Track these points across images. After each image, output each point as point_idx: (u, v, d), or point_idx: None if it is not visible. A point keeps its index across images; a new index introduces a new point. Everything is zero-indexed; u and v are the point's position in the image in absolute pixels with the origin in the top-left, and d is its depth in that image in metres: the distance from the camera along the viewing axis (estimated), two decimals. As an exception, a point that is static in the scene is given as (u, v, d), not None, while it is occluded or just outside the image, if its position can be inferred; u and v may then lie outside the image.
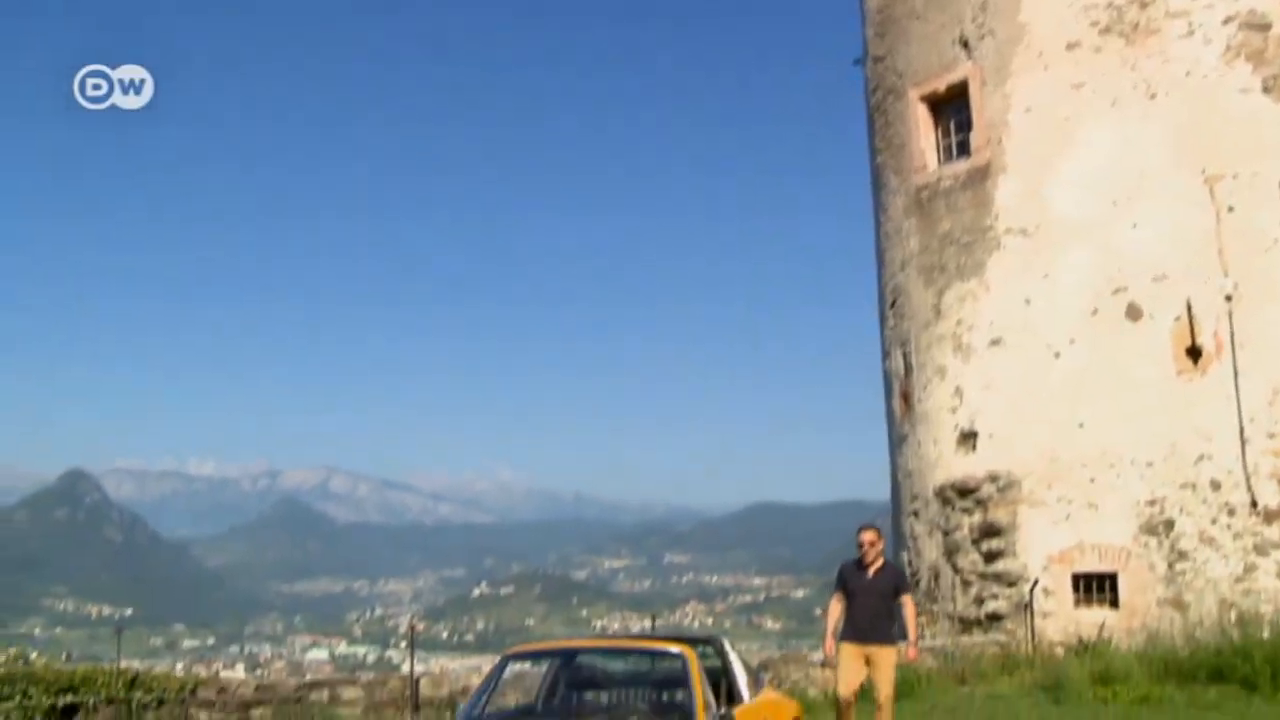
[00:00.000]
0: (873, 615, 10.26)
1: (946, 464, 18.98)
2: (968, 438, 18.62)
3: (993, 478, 18.09)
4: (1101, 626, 16.73)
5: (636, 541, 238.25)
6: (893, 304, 21.04)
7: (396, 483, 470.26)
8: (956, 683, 15.82)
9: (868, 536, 10.43)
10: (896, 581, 10.67)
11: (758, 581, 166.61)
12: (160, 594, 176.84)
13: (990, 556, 18.11)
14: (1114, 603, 17.20)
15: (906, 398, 20.37)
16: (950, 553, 18.82)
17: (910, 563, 20.17)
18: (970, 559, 18.40)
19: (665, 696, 7.89)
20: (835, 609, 10.70)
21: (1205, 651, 14.45)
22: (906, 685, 14.81)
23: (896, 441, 21.15)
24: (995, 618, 17.87)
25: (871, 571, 10.39)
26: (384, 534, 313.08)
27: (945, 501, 18.90)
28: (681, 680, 7.50)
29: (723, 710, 7.26)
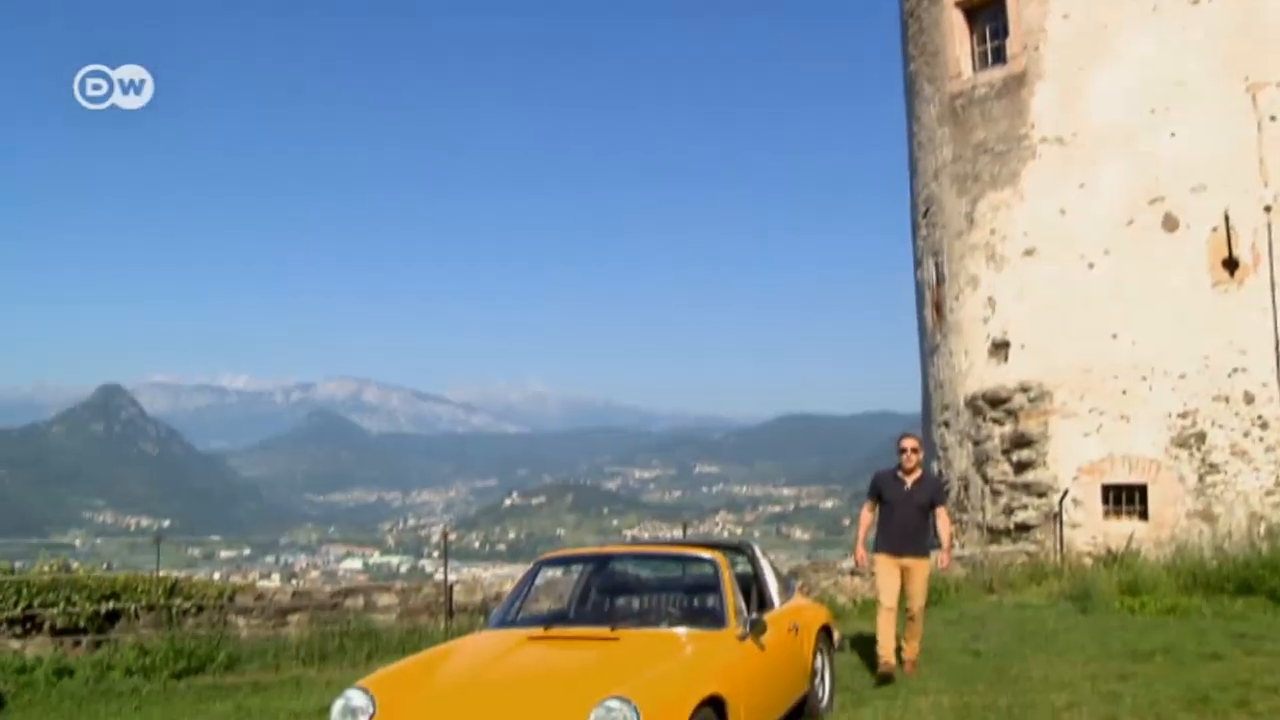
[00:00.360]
0: (909, 527, 10.02)
1: (978, 374, 18.95)
2: (1000, 348, 18.55)
3: (1024, 388, 18.07)
4: (1130, 538, 16.80)
5: (667, 451, 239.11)
6: (925, 213, 20.86)
7: (429, 394, 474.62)
8: (985, 591, 15.96)
9: (910, 443, 10.20)
10: (934, 493, 10.38)
11: (787, 492, 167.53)
12: (197, 506, 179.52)
13: (1020, 467, 18.15)
14: (1143, 514, 17.28)
15: (938, 308, 20.28)
16: (980, 463, 18.86)
17: (940, 473, 20.21)
18: (1000, 469, 18.45)
19: (697, 602, 7.94)
20: (866, 518, 10.49)
21: (1234, 564, 14.49)
22: (935, 593, 14.92)
23: (928, 352, 21.10)
24: (1024, 528, 17.96)
25: (910, 482, 10.13)
26: (416, 445, 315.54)
27: (976, 412, 18.90)
28: (713, 586, 7.57)
29: (753, 615, 7.37)
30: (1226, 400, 16.83)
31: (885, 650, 9.84)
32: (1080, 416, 17.72)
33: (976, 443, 18.96)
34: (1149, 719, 8.01)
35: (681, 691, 5.90)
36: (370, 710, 5.92)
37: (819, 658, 8.67)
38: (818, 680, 8.59)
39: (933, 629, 12.81)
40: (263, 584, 13.67)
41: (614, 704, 5.41)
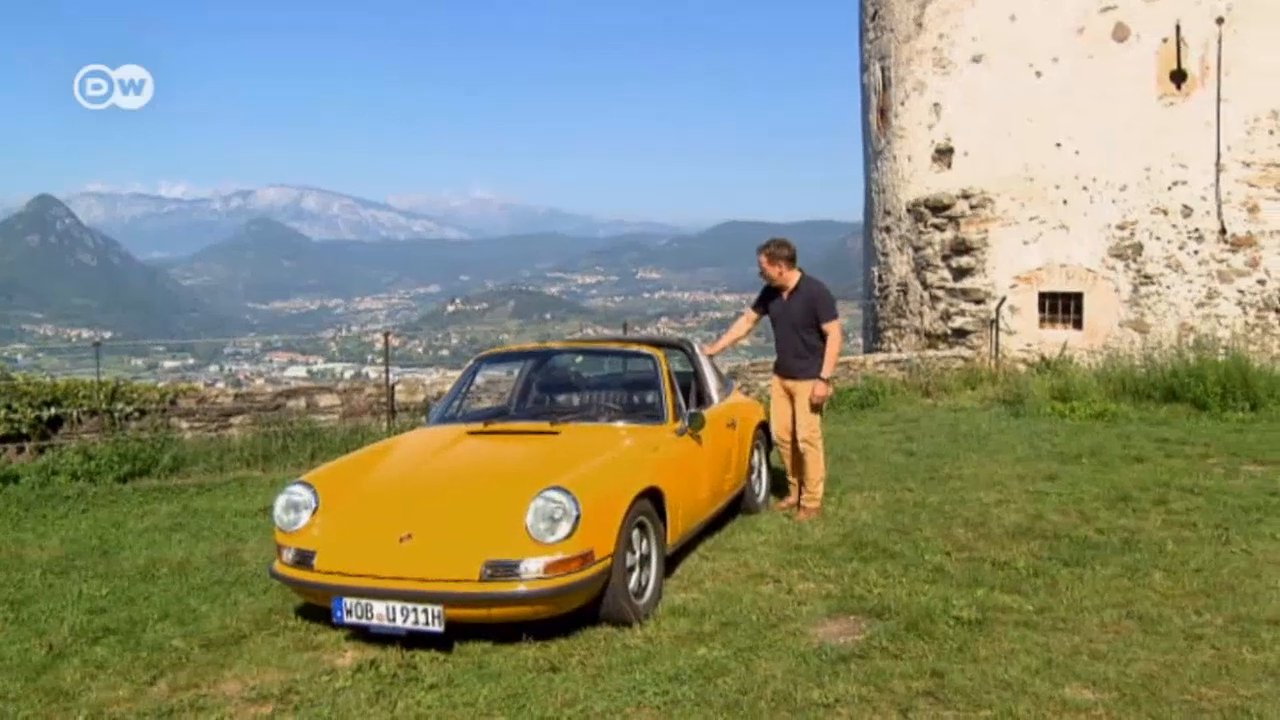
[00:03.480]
0: (789, 346, 8.73)
1: (921, 180, 18.94)
2: (943, 154, 18.54)
3: (966, 195, 18.12)
4: (1064, 345, 17.19)
5: (609, 258, 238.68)
6: (873, 16, 20.50)
7: (371, 201, 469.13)
8: (920, 395, 16.31)
9: (762, 259, 8.71)
10: (813, 304, 8.61)
11: (729, 298, 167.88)
12: (138, 317, 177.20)
13: (959, 273, 18.33)
14: (1078, 323, 17.61)
15: (883, 113, 20.12)
16: (920, 268, 19.01)
17: (880, 278, 20.40)
18: (939, 275, 18.63)
19: (636, 397, 8.06)
20: (736, 328, 9.48)
21: (1161, 372, 14.86)
22: (871, 396, 15.30)
23: (871, 157, 21.03)
24: (961, 333, 18.26)
25: (785, 295, 8.70)
26: (358, 252, 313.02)
27: (918, 218, 18.96)
28: (652, 381, 7.66)
29: (692, 410, 7.45)
30: (1165, 213, 16.97)
31: (794, 484, 8.99)
32: (1020, 225, 17.84)
33: (917, 249, 19.07)
34: (1073, 515, 8.31)
35: (620, 484, 6.01)
36: (313, 504, 5.99)
37: (756, 454, 8.85)
38: (754, 476, 8.81)
39: (867, 429, 13.14)
40: (204, 388, 13.52)
41: (554, 494, 5.50)
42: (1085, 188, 17.34)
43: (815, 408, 8.62)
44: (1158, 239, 17.00)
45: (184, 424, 12.20)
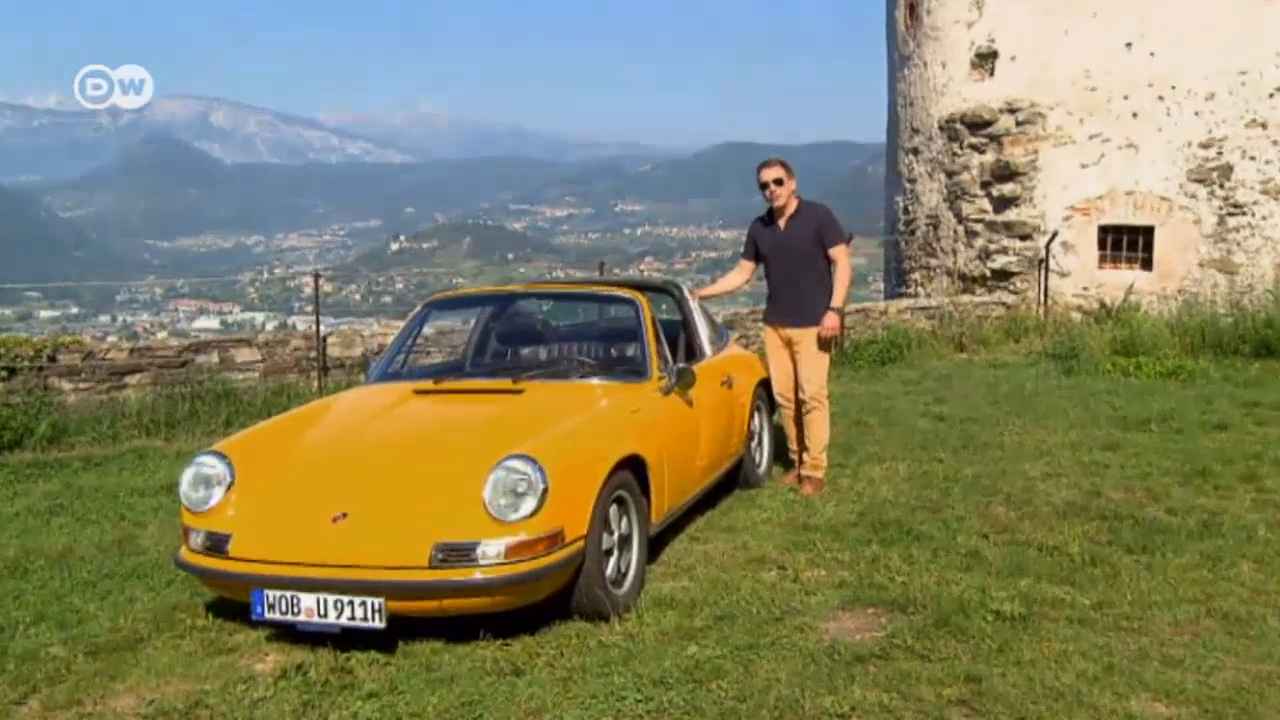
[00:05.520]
0: (790, 284, 8.73)
1: (957, 90, 18.84)
2: (985, 59, 18.40)
3: (1012, 109, 18.01)
4: (1129, 289, 17.17)
5: (583, 186, 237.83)
6: (901, -112, 20.38)
7: (295, 116, 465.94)
8: (953, 348, 16.35)
9: (771, 173, 8.58)
10: (819, 229, 8.62)
11: (724, 235, 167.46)
12: (5, 256, 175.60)
13: (1002, 203, 18.29)
14: (1146, 263, 17.58)
15: (912, 8, 19.99)
16: (954, 197, 18.97)
17: (906, 209, 20.35)
18: (978, 205, 18.58)
19: (614, 350, 8.09)
20: (730, 278, 9.43)
21: (1252, 321, 14.82)
22: (894, 349, 15.29)
23: (897, 63, 20.90)
24: (1003, 275, 18.24)
25: (783, 223, 8.70)
26: (281, 178, 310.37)
27: (952, 136, 18.87)
28: (633, 331, 7.65)
29: (680, 365, 7.46)
30: (1264, 126, 16.88)
31: (797, 453, 9.04)
32: (1079, 144, 17.77)
33: (950, 174, 19.00)
34: (1138, 492, 8.32)
35: (595, 451, 6.01)
36: (228, 479, 5.95)
37: (756, 417, 8.89)
38: (754, 443, 8.85)
39: (889, 389, 13.19)
40: (92, 341, 13.36)
41: (516, 464, 5.49)
42: (1161, 97, 17.24)
43: (824, 345, 8.64)
44: (1252, 159, 16.94)
45: (66, 384, 12.13)
